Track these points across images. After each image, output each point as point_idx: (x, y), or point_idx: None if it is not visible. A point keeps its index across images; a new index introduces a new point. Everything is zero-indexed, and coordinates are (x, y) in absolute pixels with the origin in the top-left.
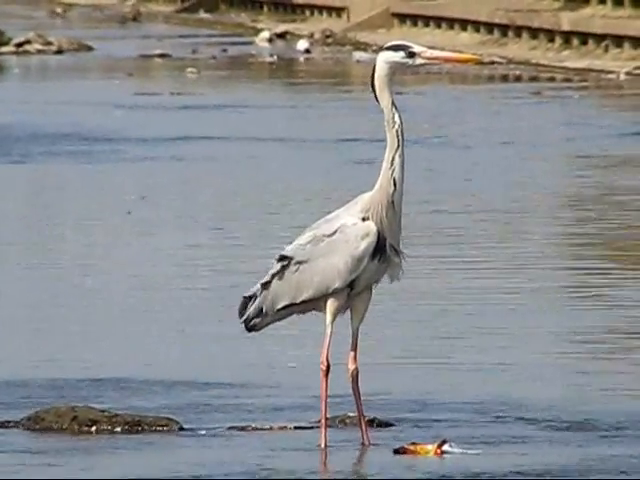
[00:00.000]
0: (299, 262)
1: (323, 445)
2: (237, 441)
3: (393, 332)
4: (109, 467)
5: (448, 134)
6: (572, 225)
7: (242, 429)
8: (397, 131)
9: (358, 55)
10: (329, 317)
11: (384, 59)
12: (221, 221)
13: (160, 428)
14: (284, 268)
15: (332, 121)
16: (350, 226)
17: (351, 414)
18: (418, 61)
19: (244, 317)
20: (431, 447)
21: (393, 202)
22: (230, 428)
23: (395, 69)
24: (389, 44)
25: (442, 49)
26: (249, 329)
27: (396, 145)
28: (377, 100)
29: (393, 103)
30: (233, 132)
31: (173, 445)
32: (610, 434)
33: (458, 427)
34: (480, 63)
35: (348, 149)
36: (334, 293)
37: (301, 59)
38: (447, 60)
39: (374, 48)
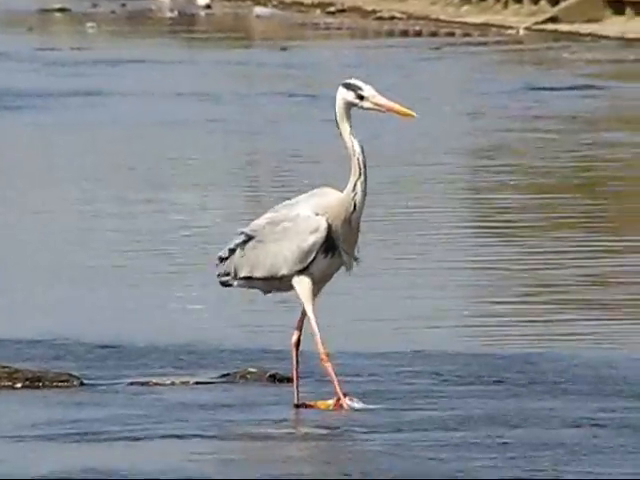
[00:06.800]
0: (256, 240)
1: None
2: (138, 397)
3: None
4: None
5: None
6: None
7: (143, 384)
8: (358, 159)
9: (258, 10)
10: (308, 306)
11: (340, 96)
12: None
13: (61, 384)
14: (244, 242)
15: (233, 76)
16: (304, 217)
17: (252, 369)
18: (366, 105)
19: (217, 271)
20: (331, 401)
21: (350, 221)
22: (131, 384)
23: (348, 106)
24: (347, 81)
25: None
26: (222, 283)
27: (358, 174)
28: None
29: (351, 133)
30: (131, 87)
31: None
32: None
33: (369, 382)
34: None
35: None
36: (304, 279)
37: (202, 14)
38: (389, 109)
39: (274, 3)
